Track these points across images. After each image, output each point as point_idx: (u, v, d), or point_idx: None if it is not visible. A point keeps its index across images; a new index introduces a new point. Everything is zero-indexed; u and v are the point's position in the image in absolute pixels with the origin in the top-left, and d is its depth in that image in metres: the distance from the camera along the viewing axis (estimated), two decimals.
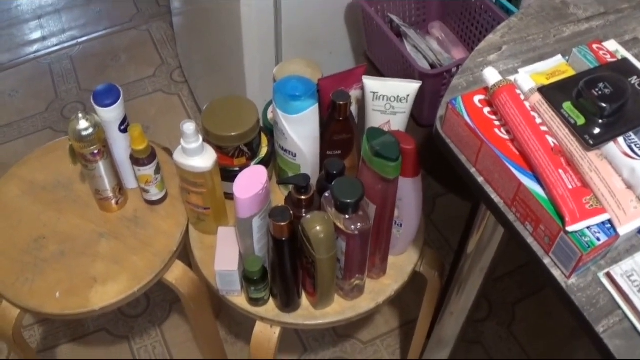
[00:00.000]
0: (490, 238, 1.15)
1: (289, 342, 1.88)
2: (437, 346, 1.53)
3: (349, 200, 1.04)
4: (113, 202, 1.37)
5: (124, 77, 2.56)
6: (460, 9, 1.59)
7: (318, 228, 1.05)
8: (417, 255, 1.32)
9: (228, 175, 1.29)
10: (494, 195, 0.88)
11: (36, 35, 2.77)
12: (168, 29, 2.75)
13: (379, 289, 1.27)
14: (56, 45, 2.72)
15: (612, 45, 1.01)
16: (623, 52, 1.02)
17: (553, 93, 0.87)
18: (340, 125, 1.24)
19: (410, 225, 1.24)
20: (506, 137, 0.87)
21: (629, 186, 0.82)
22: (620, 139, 0.84)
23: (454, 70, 1.38)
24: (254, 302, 1.23)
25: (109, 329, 1.92)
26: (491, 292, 1.98)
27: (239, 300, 1.25)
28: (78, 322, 1.92)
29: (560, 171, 0.81)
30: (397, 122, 1.25)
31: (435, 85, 1.38)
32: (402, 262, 1.31)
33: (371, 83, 1.21)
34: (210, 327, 1.59)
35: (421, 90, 1.22)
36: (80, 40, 2.73)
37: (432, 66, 1.50)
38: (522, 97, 0.88)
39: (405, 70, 1.44)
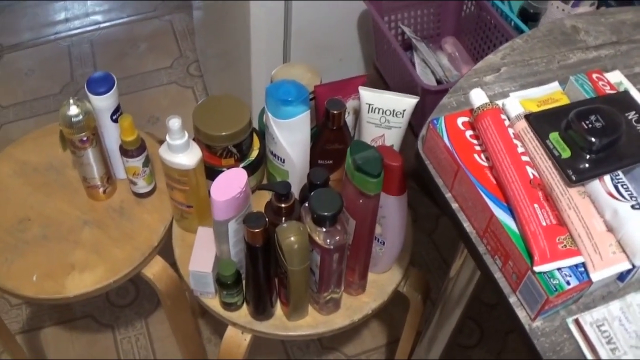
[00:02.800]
0: (470, 263, 1.11)
1: (272, 348, 1.85)
2: None
3: (325, 213, 1.01)
4: (100, 190, 1.35)
5: (141, 66, 2.55)
6: (474, 26, 1.55)
7: (292, 238, 1.02)
8: (401, 275, 1.28)
9: (215, 174, 1.25)
10: (466, 224, 0.84)
11: (60, 16, 2.77)
12: (190, 21, 2.73)
13: (356, 306, 1.23)
14: (78, 28, 2.72)
15: (615, 76, 0.96)
16: (627, 84, 0.97)
17: (540, 122, 0.83)
18: (333, 134, 1.21)
19: (394, 243, 1.20)
20: (485, 164, 0.83)
21: (610, 229, 0.78)
22: (607, 178, 0.80)
23: None
24: (227, 306, 1.20)
25: (95, 316, 1.90)
26: (485, 319, 1.94)
27: (213, 302, 1.23)
28: (65, 306, 1.91)
29: (536, 206, 0.77)
30: (392, 136, 1.22)
31: (437, 101, 1.34)
32: (384, 280, 1.27)
33: (367, 94, 1.18)
34: (189, 326, 1.56)
35: (424, 106, 1.18)
36: (102, 25, 2.72)
37: (439, 82, 1.46)
38: (507, 122, 0.84)
39: (408, 84, 1.40)
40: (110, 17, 2.76)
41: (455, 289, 1.17)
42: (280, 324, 1.20)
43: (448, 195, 0.86)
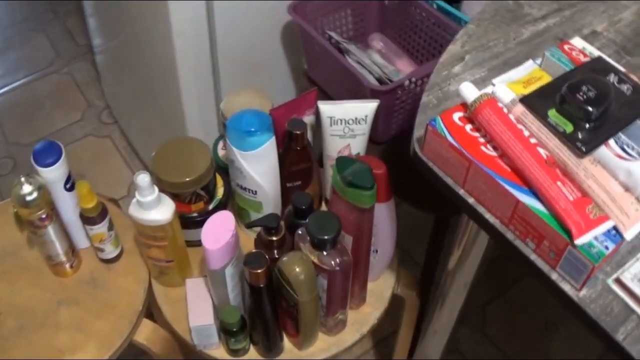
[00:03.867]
0: (471, 252, 1.11)
1: None
2: None
3: (327, 237, 0.98)
4: (67, 266, 1.29)
5: (51, 125, 2.44)
6: (400, 18, 1.55)
7: (297, 269, 0.99)
8: (394, 278, 1.27)
9: (187, 222, 1.22)
10: (488, 215, 0.83)
11: None
12: (90, 69, 2.64)
13: (361, 318, 1.22)
14: None
15: (578, 42, 0.97)
16: (590, 49, 0.98)
17: (536, 102, 0.83)
18: (298, 154, 1.19)
19: (386, 250, 1.19)
20: (494, 154, 0.82)
21: (627, 188, 0.79)
22: (612, 142, 0.81)
23: (406, 84, 1.33)
24: (234, 353, 1.16)
25: None
26: None
27: (218, 352, 1.19)
28: None
29: (559, 183, 0.77)
30: (357, 144, 1.21)
31: (388, 101, 1.34)
32: (380, 287, 1.26)
33: (327, 108, 1.16)
34: None
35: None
36: (0, 91, 2.60)
37: (380, 81, 1.45)
38: (505, 110, 0.83)
39: (353, 89, 1.38)
40: (6, 81, 2.64)
41: (457, 279, 1.17)
42: (292, 356, 1.18)
43: (461, 191, 0.86)
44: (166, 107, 1.75)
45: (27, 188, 1.13)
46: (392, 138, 1.45)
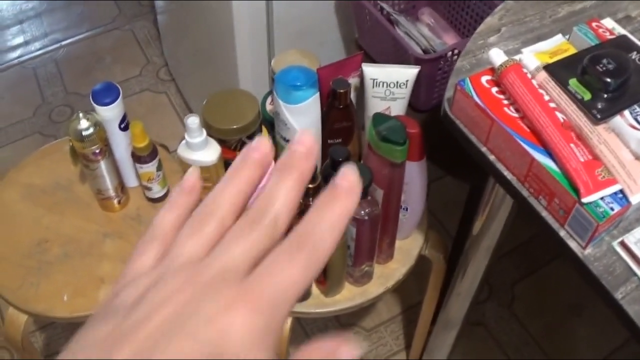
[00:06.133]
0: (496, 216, 1.16)
1: (293, 334, 1.89)
2: (443, 329, 1.54)
3: None
4: (115, 201, 1.37)
5: (110, 78, 2.52)
6: None
7: None
8: (422, 239, 1.33)
9: None
10: (506, 172, 0.90)
11: (19, 40, 2.75)
12: (151, 28, 2.74)
13: (387, 273, 1.28)
14: (39, 49, 2.70)
15: (609, 23, 1.02)
16: (619, 30, 1.03)
17: (559, 71, 0.89)
18: (340, 113, 1.25)
19: (416, 209, 1.25)
20: (516, 115, 0.88)
21: (638, 157, 0.84)
22: (627, 112, 0.86)
23: (448, 55, 1.39)
24: None
25: None
26: (490, 274, 2.00)
27: None
28: (80, 326, 1.91)
29: (572, 145, 0.83)
30: (397, 107, 1.26)
31: (430, 70, 1.39)
32: (408, 245, 1.32)
33: (370, 70, 1.22)
34: None
35: (417, 76, 1.23)
36: (63, 43, 2.71)
37: (425, 52, 1.51)
38: (529, 75, 0.89)
39: (400, 57, 1.44)
40: (70, 33, 2.75)
41: (481, 243, 1.22)
42: (318, 302, 1.24)
43: (484, 149, 0.92)
44: (221, 68, 1.83)
45: (84, 123, 1.22)
46: (434, 107, 1.50)
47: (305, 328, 1.91)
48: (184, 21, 2.03)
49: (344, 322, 1.92)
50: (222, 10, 1.58)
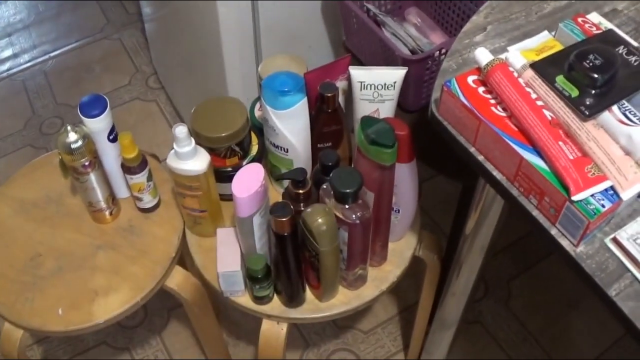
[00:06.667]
0: (488, 215, 1.16)
1: (290, 338, 1.88)
2: (441, 328, 1.54)
3: (348, 190, 1.05)
4: (107, 213, 1.37)
5: (100, 88, 2.54)
6: None
7: (320, 220, 1.05)
8: (416, 240, 1.33)
9: (221, 176, 1.29)
10: (495, 172, 0.89)
11: (7, 52, 2.74)
12: (140, 36, 2.73)
13: (381, 276, 1.28)
14: (28, 61, 2.69)
15: (595, 17, 1.02)
16: (606, 24, 1.03)
17: (545, 68, 0.88)
18: (329, 117, 1.25)
19: (408, 210, 1.25)
20: (503, 114, 0.88)
21: (627, 152, 0.84)
22: (615, 108, 0.86)
23: (436, 54, 1.38)
24: (259, 300, 1.23)
25: (109, 342, 1.91)
26: (486, 271, 2.00)
27: (244, 300, 1.26)
28: (77, 338, 1.91)
29: (560, 143, 0.82)
30: (386, 109, 1.26)
31: (418, 70, 1.39)
32: (402, 247, 1.32)
33: (358, 73, 1.22)
34: (214, 330, 1.59)
35: (405, 77, 1.23)
36: (52, 54, 2.71)
37: (413, 52, 1.50)
38: (515, 74, 0.89)
39: (387, 58, 1.44)
40: (58, 45, 2.74)
41: (475, 242, 1.22)
42: (313, 307, 1.24)
43: (472, 149, 0.91)
44: (210, 74, 1.83)
45: (72, 136, 1.21)
46: (423, 107, 1.50)
47: (303, 332, 1.90)
48: (172, 28, 2.03)
49: (341, 324, 1.91)
50: (209, 16, 1.58)
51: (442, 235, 1.96)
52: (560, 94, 0.86)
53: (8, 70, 2.67)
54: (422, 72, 1.41)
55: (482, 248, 1.24)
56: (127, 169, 1.29)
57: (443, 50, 1.38)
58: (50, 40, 2.77)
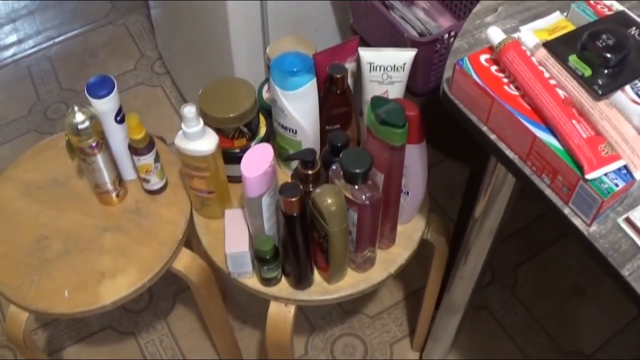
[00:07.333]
0: (497, 198, 1.16)
1: (296, 322, 1.88)
2: (447, 313, 1.54)
3: (358, 170, 1.04)
4: (113, 194, 1.36)
5: (105, 73, 2.52)
6: None
7: (329, 201, 1.05)
8: (424, 223, 1.32)
9: (229, 157, 1.28)
10: (508, 151, 0.89)
11: (12, 38, 2.73)
12: (145, 22, 2.72)
13: (390, 258, 1.27)
14: (33, 47, 2.69)
15: None
16: (617, 6, 1.02)
17: (558, 47, 0.88)
18: (338, 98, 1.24)
19: (417, 192, 1.24)
20: (516, 93, 0.87)
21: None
22: (628, 88, 0.85)
23: (445, 37, 1.38)
24: (267, 282, 1.23)
25: (114, 326, 1.91)
26: (492, 258, 1.99)
27: (251, 281, 1.25)
28: (82, 322, 1.91)
29: (574, 121, 0.82)
30: (395, 91, 1.25)
31: (427, 53, 1.38)
32: (410, 230, 1.31)
33: (367, 54, 1.21)
34: (221, 313, 1.58)
35: (414, 59, 1.22)
36: (56, 40, 2.70)
37: (421, 35, 1.50)
38: (528, 53, 0.88)
39: (395, 41, 1.43)
40: (63, 30, 2.73)
41: (484, 226, 1.22)
42: (321, 289, 1.24)
43: (484, 128, 0.91)
44: (216, 58, 1.82)
45: (79, 117, 1.21)
46: (432, 90, 1.49)
47: (309, 316, 1.90)
48: (178, 13, 2.02)
49: (347, 309, 1.91)
50: (215, 2, 1.57)
51: (449, 220, 1.96)
52: (573, 73, 0.85)
53: (13, 55, 2.66)
54: (430, 55, 1.40)
55: (491, 231, 1.23)
56: (135, 150, 1.29)
57: (452, 33, 1.37)
58: (55, 26, 2.76)
